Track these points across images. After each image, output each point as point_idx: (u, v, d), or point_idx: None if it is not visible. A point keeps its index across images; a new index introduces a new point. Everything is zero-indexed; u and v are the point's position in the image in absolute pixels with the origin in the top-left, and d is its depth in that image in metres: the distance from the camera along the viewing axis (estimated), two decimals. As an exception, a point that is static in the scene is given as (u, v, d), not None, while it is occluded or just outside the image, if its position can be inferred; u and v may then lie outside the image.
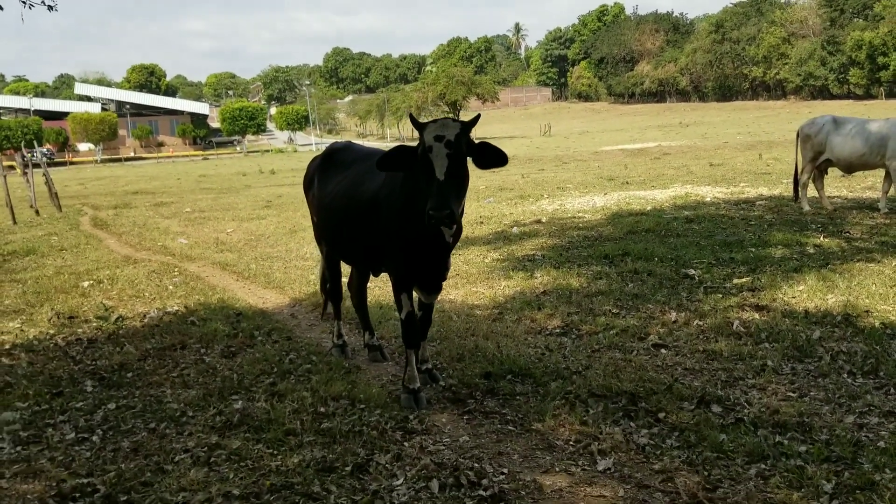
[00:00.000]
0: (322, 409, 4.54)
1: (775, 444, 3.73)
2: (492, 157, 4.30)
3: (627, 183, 18.38)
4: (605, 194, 15.78)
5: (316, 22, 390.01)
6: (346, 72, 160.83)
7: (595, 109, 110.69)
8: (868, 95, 76.63)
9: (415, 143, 4.28)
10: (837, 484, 3.36)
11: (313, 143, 79.76)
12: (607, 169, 23.82)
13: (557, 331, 6.06)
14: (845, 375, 4.66)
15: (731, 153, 27.55)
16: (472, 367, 5.16)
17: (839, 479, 3.40)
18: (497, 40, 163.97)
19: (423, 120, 4.20)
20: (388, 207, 4.55)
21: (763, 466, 3.57)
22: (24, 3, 8.02)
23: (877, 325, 5.58)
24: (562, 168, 26.18)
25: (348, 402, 4.66)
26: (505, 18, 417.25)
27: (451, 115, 65.75)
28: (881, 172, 11.20)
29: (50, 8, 8.32)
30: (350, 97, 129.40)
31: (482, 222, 12.37)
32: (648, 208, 12.82)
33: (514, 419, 4.34)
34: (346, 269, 5.90)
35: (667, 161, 26.08)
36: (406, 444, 4.07)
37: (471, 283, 8.02)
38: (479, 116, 4.55)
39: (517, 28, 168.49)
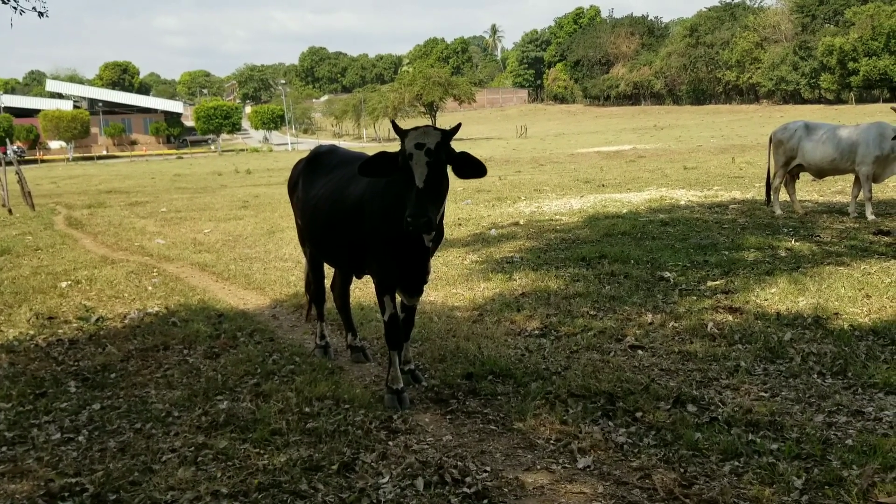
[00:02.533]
0: (307, 409, 4.61)
1: (748, 442, 3.87)
2: (471, 168, 4.38)
3: (603, 185, 18.60)
4: (582, 197, 15.96)
5: (292, 21, 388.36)
6: (323, 71, 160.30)
7: (571, 111, 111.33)
8: (839, 100, 77.91)
9: (395, 148, 4.37)
10: (807, 480, 3.50)
11: (289, 142, 79.39)
12: (583, 171, 24.04)
13: (537, 332, 6.17)
14: (815, 376, 4.82)
15: (705, 156, 27.92)
16: (453, 368, 5.26)
17: (809, 476, 3.54)
18: (474, 41, 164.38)
19: (400, 122, 4.29)
20: (372, 210, 4.63)
21: (737, 463, 3.71)
22: (14, 8, 8.00)
23: (845, 327, 5.76)
24: (538, 170, 26.36)
25: (333, 402, 4.74)
26: (481, 20, 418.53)
27: (427, 116, 65.20)
28: (851, 177, 11.46)
29: (41, 14, 8.31)
30: (326, 97, 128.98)
31: (460, 224, 12.47)
32: (624, 211, 13.00)
33: (496, 419, 4.44)
34: (329, 270, 5.97)
35: (642, 164, 26.37)
36: (391, 443, 4.16)
37: (451, 284, 8.12)
38: (459, 126, 4.64)
39: (493, 29, 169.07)
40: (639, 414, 4.31)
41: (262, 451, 4.08)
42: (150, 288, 8.69)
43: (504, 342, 5.88)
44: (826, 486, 3.44)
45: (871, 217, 10.74)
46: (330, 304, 6.07)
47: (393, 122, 4.52)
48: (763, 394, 4.56)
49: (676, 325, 6.09)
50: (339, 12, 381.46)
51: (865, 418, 4.13)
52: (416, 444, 4.14)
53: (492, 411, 4.54)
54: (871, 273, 7.41)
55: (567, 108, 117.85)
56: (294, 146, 73.60)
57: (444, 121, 63.06)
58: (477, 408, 4.63)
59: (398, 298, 4.89)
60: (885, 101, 70.07)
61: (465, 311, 7.03)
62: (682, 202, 14.05)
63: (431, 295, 7.59)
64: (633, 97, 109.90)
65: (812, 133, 11.44)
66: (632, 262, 8.50)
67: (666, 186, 17.47)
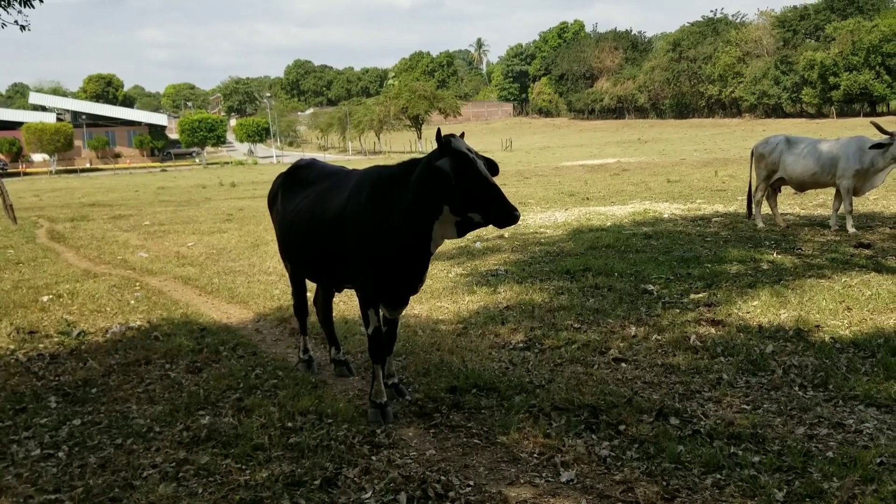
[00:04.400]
0: (290, 424, 4.59)
1: (730, 454, 3.89)
2: (490, 167, 4.35)
3: (588, 198, 18.68)
4: (566, 210, 16.04)
5: (277, 34, 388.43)
6: (308, 84, 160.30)
7: (556, 125, 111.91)
8: (820, 114, 78.73)
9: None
10: (788, 492, 3.52)
11: (274, 155, 79.24)
12: (568, 184, 24.15)
13: (521, 345, 6.18)
14: (797, 388, 4.85)
15: (688, 170, 28.11)
16: (437, 382, 5.25)
17: (790, 488, 3.56)
18: (459, 55, 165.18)
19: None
20: (356, 223, 4.62)
21: (719, 476, 3.72)
22: None
23: (827, 339, 5.81)
24: (523, 183, 26.45)
25: (316, 416, 4.71)
26: (466, 34, 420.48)
27: (413, 129, 65.21)
28: (832, 190, 11.57)
29: (23, 28, 8.28)
30: (311, 110, 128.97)
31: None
32: (608, 224, 13.07)
33: (480, 432, 4.43)
34: (311, 284, 5.96)
35: (626, 177, 26.52)
36: (374, 457, 4.14)
37: (435, 297, 8.12)
38: (439, 130, 4.65)
39: (479, 43, 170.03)
40: (622, 427, 4.32)
41: (243, 467, 4.05)
42: (132, 302, 8.63)
43: (488, 355, 5.89)
44: (807, 499, 3.46)
45: (852, 230, 10.85)
46: (313, 317, 6.05)
47: (438, 131, 4.39)
48: (745, 406, 4.59)
49: (660, 337, 6.12)
50: (324, 26, 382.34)
51: (846, 430, 4.16)
52: (400, 458, 4.13)
53: (475, 425, 4.54)
54: (852, 286, 7.47)
55: (552, 121, 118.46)
56: (279, 159, 73.43)
57: (430, 134, 63.13)
58: (461, 421, 4.62)
59: (381, 312, 4.88)
60: (866, 115, 70.89)
61: (449, 324, 7.03)
62: (666, 215, 14.14)
63: (416, 308, 7.58)
64: (617, 111, 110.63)
65: (793, 147, 11.56)
66: (616, 274, 8.54)
67: (650, 199, 17.58)
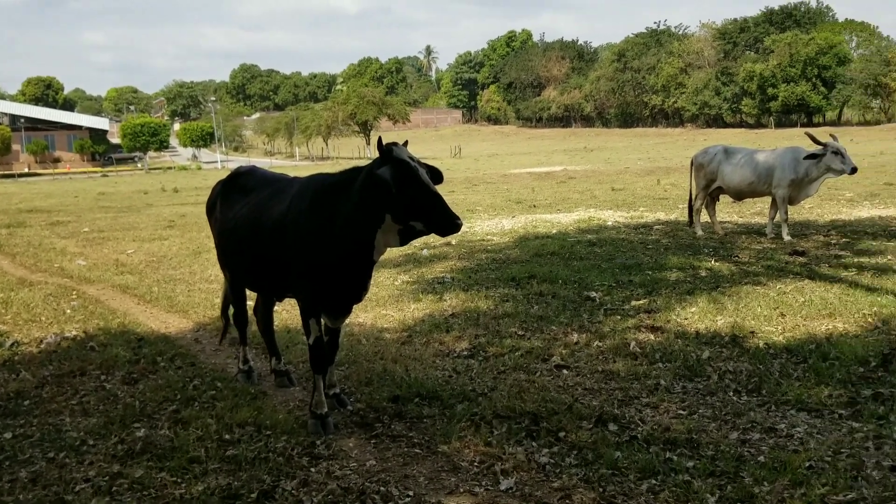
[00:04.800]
0: (227, 436, 4.51)
1: (665, 460, 3.96)
2: (434, 175, 4.37)
3: (534, 206, 18.86)
4: (513, 217, 16.16)
5: (222, 37, 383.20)
6: (254, 89, 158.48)
7: (504, 133, 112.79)
8: (759, 124, 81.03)
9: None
10: (721, 497, 3.60)
11: (218, 160, 78.01)
12: (515, 192, 24.34)
13: (465, 353, 6.19)
14: (731, 393, 4.97)
15: (632, 178, 28.61)
16: (380, 391, 5.23)
17: (722, 493, 3.63)
18: (408, 62, 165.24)
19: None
20: (297, 231, 4.58)
21: (654, 482, 3.78)
22: None
23: (761, 345, 5.95)
24: (472, 190, 26.56)
25: (254, 428, 4.64)
26: (416, 40, 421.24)
27: (361, 135, 64.93)
28: (769, 199, 11.89)
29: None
30: (258, 114, 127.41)
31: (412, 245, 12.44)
32: (554, 231, 13.21)
33: (421, 442, 4.43)
34: (252, 293, 5.88)
35: (572, 185, 26.86)
36: (313, 469, 4.10)
37: (380, 305, 8.09)
38: (380, 138, 4.66)
39: (428, 50, 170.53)
40: (562, 434, 4.36)
41: (179, 480, 3.97)
42: (68, 311, 8.40)
43: (432, 364, 5.89)
44: (738, 503, 3.54)
45: (787, 238, 11.16)
46: (254, 327, 5.96)
47: (379, 140, 4.39)
48: (681, 412, 4.67)
49: (601, 344, 6.20)
50: (270, 30, 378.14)
51: (778, 435, 4.27)
52: (339, 469, 4.10)
53: (417, 434, 4.52)
54: (787, 292, 7.68)
55: (500, 129, 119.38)
56: (224, 164, 72.32)
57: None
58: (402, 431, 4.61)
59: (323, 321, 4.84)
60: (803, 125, 73.13)
61: (394, 332, 7.01)
62: (610, 223, 14.35)
63: (360, 317, 7.54)
64: (564, 119, 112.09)
65: (731, 157, 11.86)
66: (560, 281, 8.63)
67: (594, 207, 17.83)
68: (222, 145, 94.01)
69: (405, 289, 8.86)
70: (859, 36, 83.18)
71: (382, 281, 9.37)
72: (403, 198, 4.07)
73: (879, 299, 7.11)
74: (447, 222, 4.05)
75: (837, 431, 4.24)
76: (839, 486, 3.57)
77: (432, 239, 12.95)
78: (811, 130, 12.64)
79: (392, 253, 11.56)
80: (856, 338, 5.93)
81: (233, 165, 63.21)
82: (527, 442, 4.32)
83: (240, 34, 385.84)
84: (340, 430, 4.65)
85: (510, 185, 28.11)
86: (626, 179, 27.98)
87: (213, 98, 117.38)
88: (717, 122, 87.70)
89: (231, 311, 5.94)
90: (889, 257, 9.48)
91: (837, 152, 10.60)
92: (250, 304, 5.96)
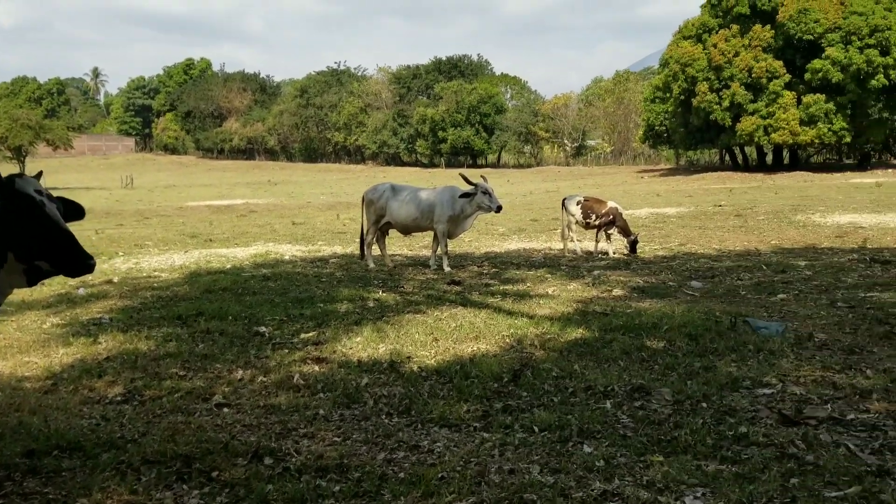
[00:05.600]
0: None
1: (315, 486, 4.07)
2: (71, 211, 4.13)
3: (210, 240, 18.33)
4: (186, 252, 15.54)
5: None
6: None
7: (183, 163, 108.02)
8: (432, 164, 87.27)
9: None
10: (365, 516, 3.79)
11: None
12: (191, 225, 23.46)
13: (119, 398, 5.80)
14: (384, 416, 5.26)
15: (314, 212, 29.15)
16: (12, 447, 4.69)
17: (365, 512, 3.84)
18: (73, 83, 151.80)
19: None
20: None
21: (302, 509, 3.87)
22: None
23: (415, 368, 6.40)
24: (143, 223, 25.05)
25: None
26: (82, 61, 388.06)
27: (14, 162, 57.84)
28: (432, 234, 12.86)
29: None
30: None
31: (43, 283, 11.25)
32: (228, 266, 12.96)
33: (58, 498, 4.05)
34: None
35: (252, 218, 26.59)
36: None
37: (23, 352, 7.26)
38: (41, 173, 4.32)
39: (95, 73, 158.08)
40: (215, 473, 4.28)
41: None
42: None
43: (78, 412, 5.43)
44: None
45: (447, 269, 12.16)
46: None
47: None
48: (336, 439, 4.84)
49: (265, 379, 6.20)
50: None
51: (420, 451, 4.61)
52: (-48, 541, 3.60)
53: (53, 490, 4.13)
54: (442, 318, 8.35)
55: (178, 159, 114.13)
56: None
57: (36, 167, 56.66)
58: (36, 487, 4.18)
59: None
60: (469, 166, 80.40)
61: (36, 381, 6.33)
62: (287, 257, 14.47)
63: (-4, 366, 6.71)
64: (247, 152, 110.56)
65: (398, 194, 12.66)
66: (230, 318, 8.47)
67: (273, 241, 17.85)
68: None
69: (54, 332, 8.06)
70: (513, 88, 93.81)
71: (27, 325, 8.44)
72: (25, 235, 3.75)
73: (517, 321, 8.04)
74: (76, 263, 3.82)
75: (471, 443, 4.70)
76: (464, 491, 3.97)
77: (91, 276, 11.96)
78: (464, 171, 14.02)
79: (42, 292, 10.48)
80: (494, 357, 6.64)
81: None
82: (177, 486, 4.16)
83: None
84: (-43, 497, 4.09)
85: (186, 219, 27.03)
86: (307, 213, 28.43)
87: None
88: (395, 160, 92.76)
89: None
90: (528, 284, 10.78)
91: (486, 192, 11.86)
92: None
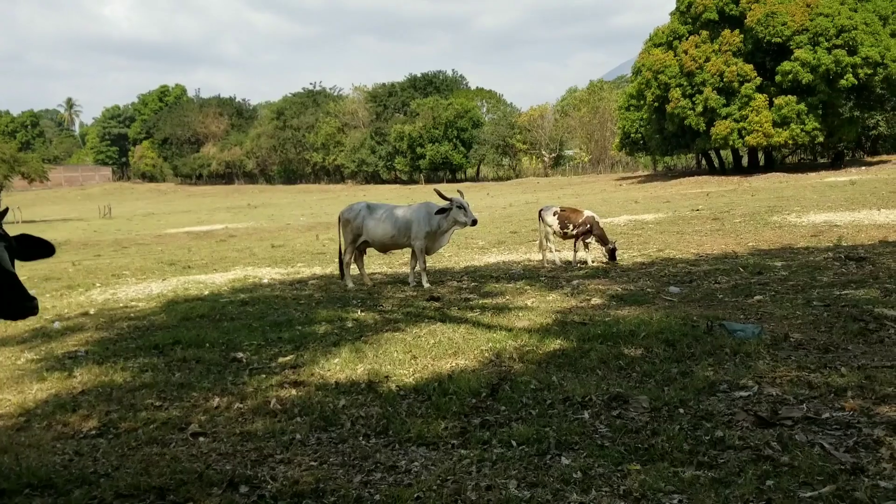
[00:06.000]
0: None
1: (290, 513, 4.04)
2: (37, 248, 4.03)
3: (189, 267, 18.20)
4: (164, 280, 15.42)
5: None
6: None
7: (161, 190, 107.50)
8: (412, 181, 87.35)
9: None
10: (341, 540, 3.75)
11: None
12: (170, 253, 23.28)
13: (93, 432, 5.73)
14: (361, 438, 5.22)
15: (293, 234, 29.04)
16: (-18, 488, 4.62)
17: (342, 536, 3.80)
18: (46, 115, 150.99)
19: None
20: None
21: (279, 537, 3.83)
22: None
23: (393, 388, 6.36)
24: (121, 253, 24.83)
25: None
26: (55, 92, 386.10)
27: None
28: (410, 251, 12.84)
29: None
30: None
31: (10, 324, 11.12)
32: (206, 293, 12.86)
33: (28, 538, 3.99)
34: None
35: (232, 243, 26.45)
36: None
37: (-5, 390, 7.16)
38: (6, 210, 4.26)
39: (69, 103, 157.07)
40: (189, 504, 4.23)
41: None
42: None
43: (51, 448, 5.35)
44: (356, 543, 3.72)
45: (426, 285, 12.13)
46: None
47: None
48: (313, 463, 4.80)
49: (242, 405, 6.14)
50: None
51: (397, 472, 4.58)
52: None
53: (24, 530, 4.07)
54: (421, 335, 8.31)
55: (157, 186, 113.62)
56: None
57: (13, 201, 56.22)
58: (7, 530, 4.12)
59: None
60: (449, 181, 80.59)
61: (9, 418, 6.24)
62: (266, 280, 14.39)
63: (-33, 405, 6.61)
64: (226, 176, 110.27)
65: (374, 213, 12.65)
66: (207, 345, 8.40)
67: (253, 265, 17.75)
68: None
69: (28, 368, 7.95)
70: (489, 102, 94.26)
71: (1, 361, 8.33)
72: None
73: (495, 335, 8.03)
74: (16, 306, 3.73)
75: (448, 460, 4.68)
76: (440, 510, 3.95)
77: (67, 309, 11.86)
78: (439, 187, 13.98)
79: (17, 327, 10.35)
80: (473, 372, 6.62)
81: None
82: (150, 519, 4.11)
83: None
84: (-75, 543, 4.02)
85: (165, 246, 26.84)
86: (287, 236, 28.32)
87: None
88: (374, 178, 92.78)
89: None
90: (507, 297, 10.78)
91: (461, 206, 11.87)
92: None
